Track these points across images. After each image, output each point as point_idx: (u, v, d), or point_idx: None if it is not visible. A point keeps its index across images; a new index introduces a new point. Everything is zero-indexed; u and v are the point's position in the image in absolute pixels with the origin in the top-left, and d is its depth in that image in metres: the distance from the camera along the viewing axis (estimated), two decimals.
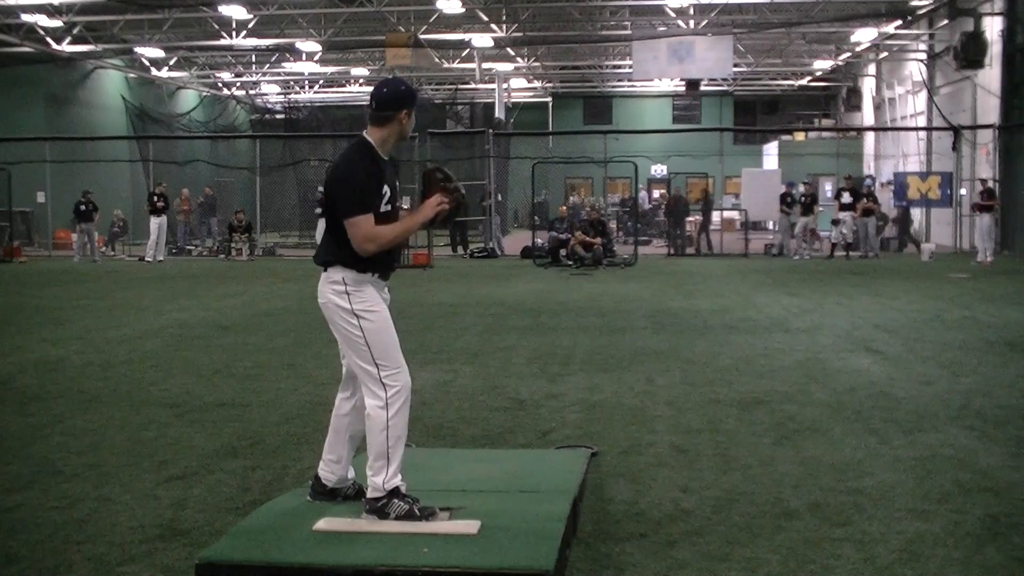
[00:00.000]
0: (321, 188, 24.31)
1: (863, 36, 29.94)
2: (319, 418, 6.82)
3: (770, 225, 30.91)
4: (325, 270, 4.29)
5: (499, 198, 28.21)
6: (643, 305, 13.71)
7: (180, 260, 25.68)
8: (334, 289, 4.24)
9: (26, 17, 26.72)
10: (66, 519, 4.65)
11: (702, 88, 34.74)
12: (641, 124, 38.63)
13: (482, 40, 29.72)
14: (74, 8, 26.79)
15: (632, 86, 42.31)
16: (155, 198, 24.48)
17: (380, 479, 4.18)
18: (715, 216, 29.70)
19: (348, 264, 4.22)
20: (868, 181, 29.79)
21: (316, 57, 34.11)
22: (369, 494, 4.23)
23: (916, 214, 29.55)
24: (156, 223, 24.40)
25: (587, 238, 21.40)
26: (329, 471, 4.47)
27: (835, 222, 24.64)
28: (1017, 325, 11.32)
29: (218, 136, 34.55)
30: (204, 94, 40.07)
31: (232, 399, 7.45)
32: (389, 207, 4.31)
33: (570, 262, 21.06)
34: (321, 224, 24.67)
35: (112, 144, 30.27)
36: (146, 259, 24.22)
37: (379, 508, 4.19)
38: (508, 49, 32.31)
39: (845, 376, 8.16)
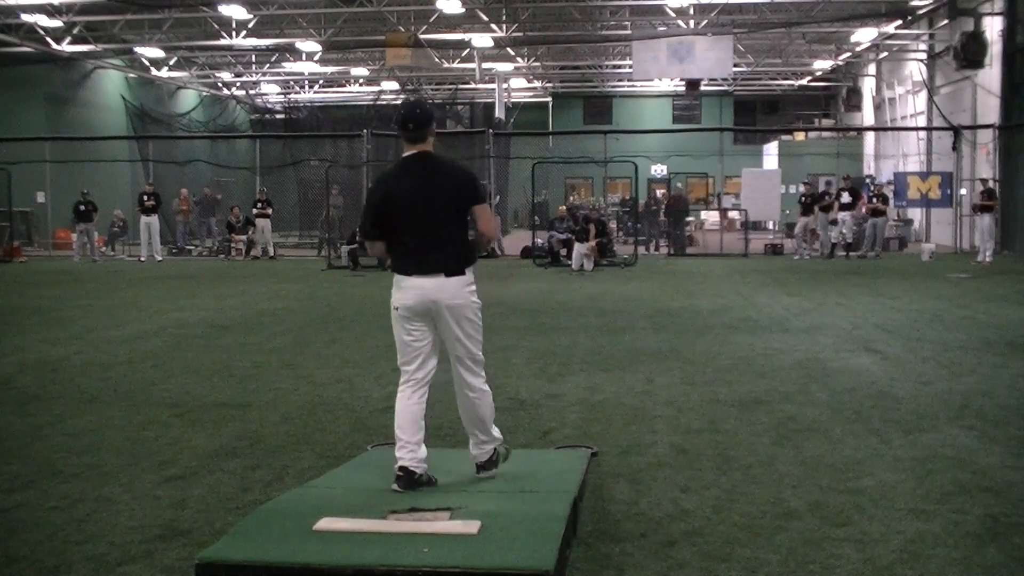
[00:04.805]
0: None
1: (863, 36, 29.93)
2: (319, 418, 6.84)
3: (770, 225, 30.89)
4: (451, 276, 4.69)
5: (498, 198, 28.18)
6: (643, 305, 13.71)
7: (180, 260, 25.68)
8: (470, 290, 4.81)
9: (26, 17, 26.70)
10: (66, 519, 4.66)
11: (702, 88, 34.72)
12: (641, 124, 38.60)
13: (482, 40, 29.69)
14: (74, 8, 26.78)
15: (632, 86, 42.29)
16: (145, 198, 24.46)
17: (494, 434, 4.93)
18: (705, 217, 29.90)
19: (471, 262, 4.78)
20: (867, 180, 29.76)
21: (316, 57, 34.10)
22: (484, 458, 4.87)
23: (916, 214, 29.59)
24: (145, 223, 24.42)
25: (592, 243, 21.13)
26: (415, 456, 4.68)
27: (834, 222, 24.61)
28: (1017, 325, 11.31)
29: (218, 136, 34.51)
30: (204, 94, 40.05)
31: (232, 399, 7.45)
32: None
33: (570, 262, 21.00)
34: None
35: (112, 144, 30.22)
36: (141, 259, 24.24)
37: (490, 462, 4.88)
38: (508, 49, 32.28)
39: (845, 376, 8.15)
